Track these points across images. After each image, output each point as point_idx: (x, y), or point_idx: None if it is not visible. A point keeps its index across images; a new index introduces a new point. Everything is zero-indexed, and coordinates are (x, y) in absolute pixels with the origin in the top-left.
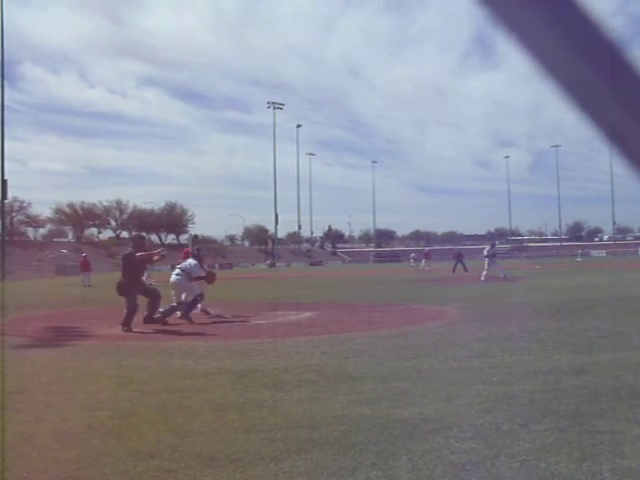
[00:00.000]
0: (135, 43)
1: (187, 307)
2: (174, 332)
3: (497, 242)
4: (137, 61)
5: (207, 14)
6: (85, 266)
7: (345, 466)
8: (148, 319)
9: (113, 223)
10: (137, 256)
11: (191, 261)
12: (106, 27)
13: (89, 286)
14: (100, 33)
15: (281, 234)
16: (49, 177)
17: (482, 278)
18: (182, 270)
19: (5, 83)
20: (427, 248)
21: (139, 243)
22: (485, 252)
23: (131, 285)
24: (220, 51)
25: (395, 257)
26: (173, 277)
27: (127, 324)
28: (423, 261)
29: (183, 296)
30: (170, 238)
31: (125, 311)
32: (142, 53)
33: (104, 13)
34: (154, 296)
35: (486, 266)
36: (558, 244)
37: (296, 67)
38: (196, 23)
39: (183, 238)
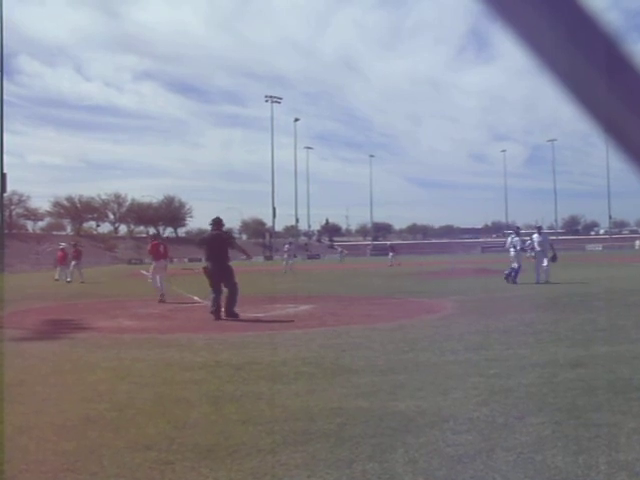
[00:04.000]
0: (131, 37)
1: (515, 274)
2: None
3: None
4: (133, 55)
5: (202, 8)
6: (63, 260)
7: (342, 458)
8: (228, 313)
9: (111, 216)
10: (230, 239)
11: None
12: (102, 21)
13: (68, 281)
14: (96, 27)
15: (278, 227)
16: (47, 170)
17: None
18: (514, 247)
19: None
20: (390, 242)
21: (220, 224)
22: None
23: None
24: (216, 44)
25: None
26: (512, 252)
27: (232, 310)
28: (390, 255)
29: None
30: (168, 231)
31: (226, 299)
32: (138, 47)
33: (100, 7)
34: (234, 289)
35: (537, 262)
36: (554, 238)
37: (292, 60)
38: (192, 17)
39: (181, 232)
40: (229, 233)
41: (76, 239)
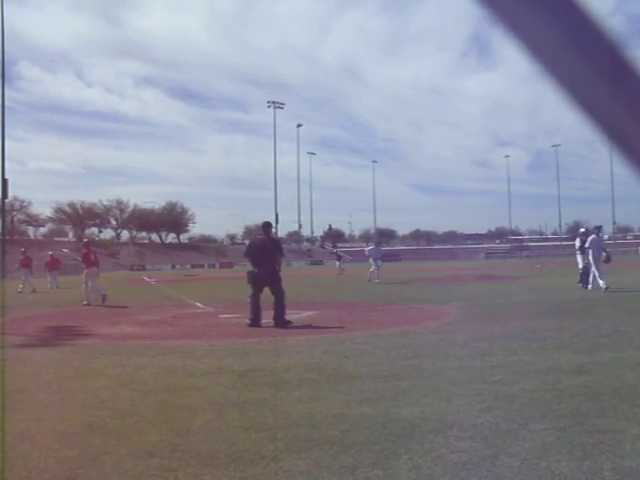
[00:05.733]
0: (132, 43)
1: (585, 277)
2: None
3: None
4: (134, 61)
5: (203, 14)
6: (53, 265)
7: (345, 465)
8: (280, 322)
9: (114, 222)
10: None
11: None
12: (103, 27)
13: (56, 287)
14: (97, 33)
15: (281, 233)
16: (48, 176)
17: (589, 286)
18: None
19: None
20: (336, 249)
21: (268, 229)
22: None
23: (274, 271)
24: (217, 51)
25: (395, 256)
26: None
27: (283, 317)
28: (337, 263)
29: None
30: (171, 237)
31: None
32: (139, 53)
33: (101, 13)
34: (280, 295)
35: (593, 266)
36: (558, 243)
37: (293, 67)
38: (193, 23)
39: (184, 238)
40: (265, 239)
41: (25, 246)
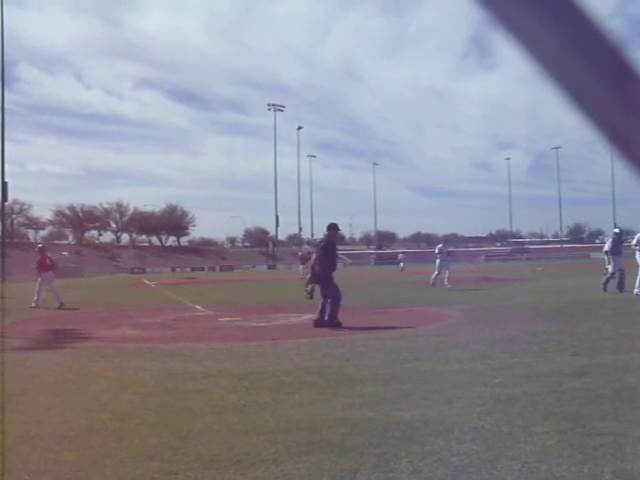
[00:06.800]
0: (131, 45)
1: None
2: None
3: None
4: (134, 63)
5: (203, 16)
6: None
7: (346, 468)
8: (320, 322)
9: (114, 225)
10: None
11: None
12: (102, 29)
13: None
14: (96, 35)
15: (282, 236)
16: (48, 179)
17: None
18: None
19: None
20: (300, 252)
21: (334, 233)
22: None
23: (330, 275)
24: (216, 53)
25: (396, 259)
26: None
27: (336, 316)
28: (301, 267)
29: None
30: (171, 240)
31: (321, 306)
32: (138, 55)
33: (100, 15)
34: (337, 297)
35: None
36: (559, 246)
37: (293, 69)
38: (192, 25)
39: (184, 241)
40: (325, 241)
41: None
